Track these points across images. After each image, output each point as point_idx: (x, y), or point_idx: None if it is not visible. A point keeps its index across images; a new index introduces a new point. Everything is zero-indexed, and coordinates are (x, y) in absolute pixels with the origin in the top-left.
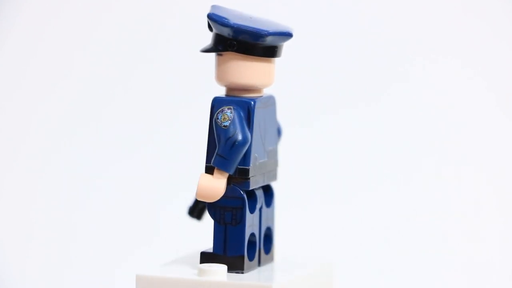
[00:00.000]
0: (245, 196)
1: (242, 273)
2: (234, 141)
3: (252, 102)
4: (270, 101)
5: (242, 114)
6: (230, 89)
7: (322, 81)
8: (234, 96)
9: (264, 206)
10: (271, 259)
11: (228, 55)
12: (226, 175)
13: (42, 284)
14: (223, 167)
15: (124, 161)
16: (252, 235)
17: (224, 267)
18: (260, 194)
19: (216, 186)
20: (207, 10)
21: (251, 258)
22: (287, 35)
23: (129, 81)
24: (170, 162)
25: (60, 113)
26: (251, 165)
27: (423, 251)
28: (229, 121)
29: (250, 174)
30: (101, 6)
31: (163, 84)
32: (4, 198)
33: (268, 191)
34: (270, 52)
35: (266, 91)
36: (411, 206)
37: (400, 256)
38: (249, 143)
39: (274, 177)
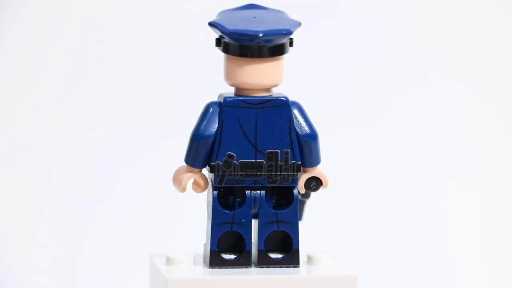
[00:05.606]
0: (213, 192)
1: (208, 267)
2: (191, 135)
3: (224, 100)
4: (276, 102)
5: (217, 111)
6: (238, 89)
7: (324, 84)
8: (238, 95)
9: (267, 208)
10: (291, 263)
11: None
12: (190, 168)
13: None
14: (184, 159)
15: (134, 161)
16: (235, 233)
17: (191, 258)
18: (256, 195)
19: (178, 178)
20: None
21: (236, 257)
22: (285, 33)
23: (140, 81)
24: (175, 162)
25: (70, 113)
26: (218, 161)
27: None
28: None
29: (218, 171)
30: (111, 6)
31: (173, 83)
32: (10, 199)
33: (284, 194)
34: (270, 51)
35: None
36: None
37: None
38: (205, 139)
39: (284, 179)
